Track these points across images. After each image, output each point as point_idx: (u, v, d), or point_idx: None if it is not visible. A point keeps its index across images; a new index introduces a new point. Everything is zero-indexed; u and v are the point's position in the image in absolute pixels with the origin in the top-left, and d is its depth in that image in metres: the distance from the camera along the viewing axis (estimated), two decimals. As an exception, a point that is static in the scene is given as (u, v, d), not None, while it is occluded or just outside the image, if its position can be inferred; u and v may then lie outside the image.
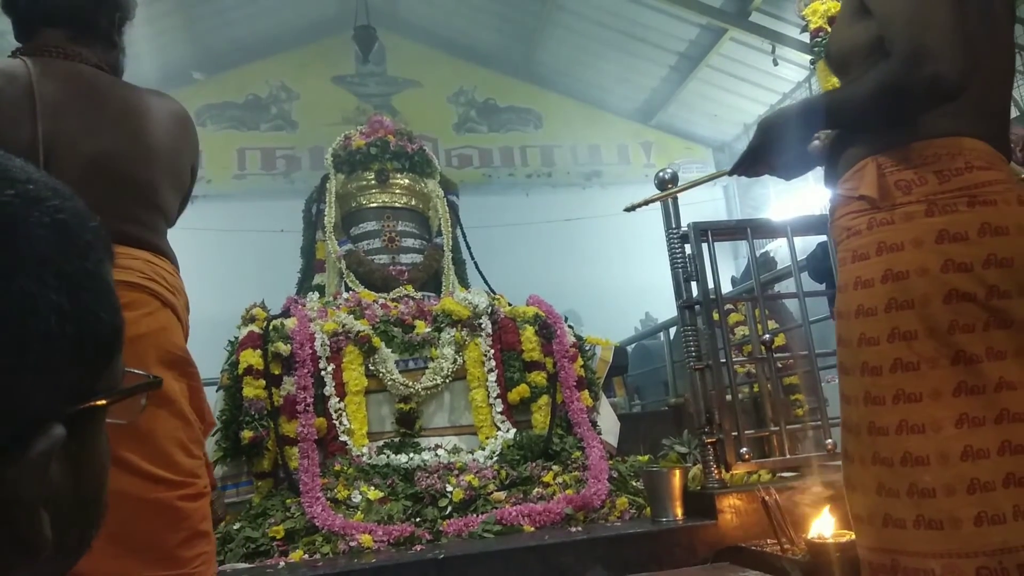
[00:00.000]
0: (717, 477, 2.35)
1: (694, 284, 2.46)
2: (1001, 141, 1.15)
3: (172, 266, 1.36)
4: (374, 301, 3.55)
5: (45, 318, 0.37)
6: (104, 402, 0.43)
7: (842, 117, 1.20)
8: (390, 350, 3.17)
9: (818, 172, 1.35)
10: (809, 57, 6.14)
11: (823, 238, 2.57)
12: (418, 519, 2.55)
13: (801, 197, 8.68)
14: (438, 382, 3.13)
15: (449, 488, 2.68)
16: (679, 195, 2.51)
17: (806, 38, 6.14)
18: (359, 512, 2.56)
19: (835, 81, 1.49)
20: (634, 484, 2.78)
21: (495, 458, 2.96)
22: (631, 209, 1.40)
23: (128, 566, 1.10)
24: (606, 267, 9.60)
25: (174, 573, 1.18)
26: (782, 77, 9.46)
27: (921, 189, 1.09)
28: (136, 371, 0.48)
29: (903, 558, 1.06)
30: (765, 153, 1.26)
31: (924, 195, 1.09)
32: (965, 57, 1.03)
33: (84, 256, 0.41)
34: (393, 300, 3.64)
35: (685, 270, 2.46)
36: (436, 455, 2.93)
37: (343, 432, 2.95)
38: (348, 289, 3.90)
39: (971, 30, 1.08)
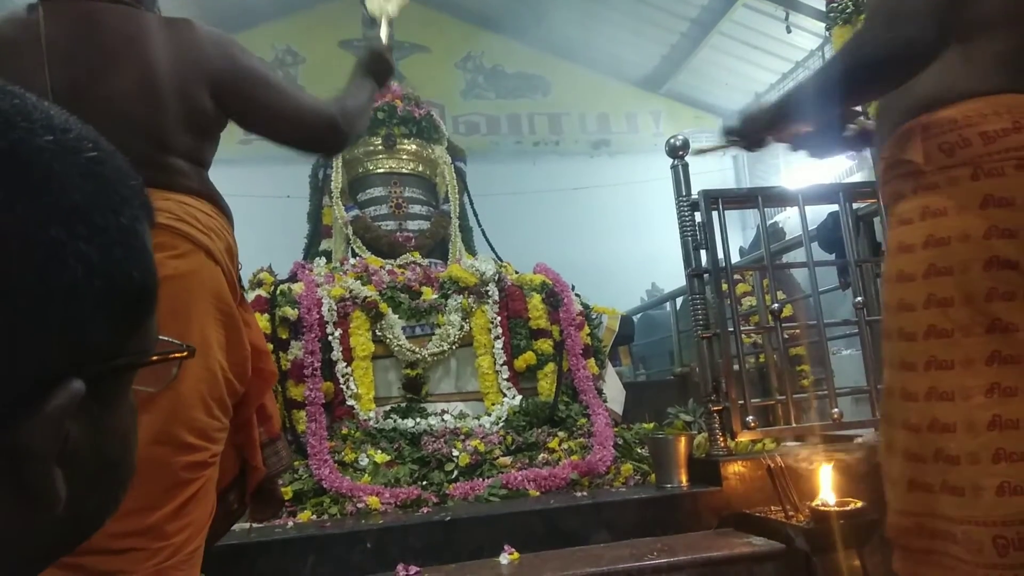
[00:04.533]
0: (722, 445, 2.36)
1: (703, 253, 2.45)
2: None
3: (212, 206, 1.27)
4: (381, 267, 3.55)
5: (72, 269, 0.36)
6: (128, 364, 0.41)
7: (830, 91, 1.17)
8: (397, 316, 3.18)
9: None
10: (824, 24, 6.03)
11: (834, 208, 2.54)
12: (424, 482, 2.58)
13: (812, 167, 8.59)
14: (444, 348, 3.14)
15: (455, 453, 2.71)
16: (689, 163, 2.52)
17: (821, 5, 6.01)
18: (366, 475, 2.59)
19: None
20: (639, 451, 2.80)
21: (501, 424, 2.98)
22: (698, 153, 1.59)
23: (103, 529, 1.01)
24: (613, 236, 9.55)
25: (154, 546, 1.06)
26: (796, 45, 9.30)
27: (965, 152, 1.06)
28: (170, 339, 0.46)
29: (930, 520, 1.07)
30: (784, 119, 1.24)
31: (969, 158, 1.06)
32: (937, 23, 1.02)
33: (119, 211, 0.39)
34: (400, 266, 3.64)
35: (694, 238, 2.45)
36: (443, 420, 2.96)
37: (350, 396, 2.97)
38: (355, 255, 3.90)
39: None
